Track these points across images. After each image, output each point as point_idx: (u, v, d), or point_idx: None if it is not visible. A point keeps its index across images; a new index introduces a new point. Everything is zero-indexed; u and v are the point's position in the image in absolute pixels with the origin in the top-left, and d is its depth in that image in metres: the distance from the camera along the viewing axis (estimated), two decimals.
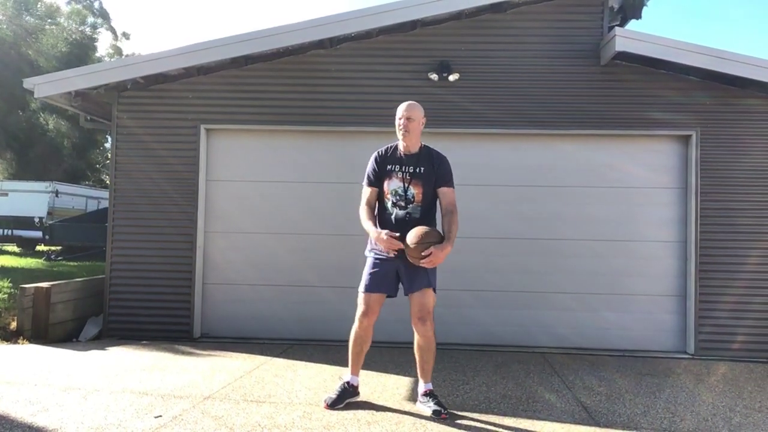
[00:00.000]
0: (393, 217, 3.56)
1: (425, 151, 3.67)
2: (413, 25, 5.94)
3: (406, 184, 3.56)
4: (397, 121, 3.62)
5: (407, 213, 3.55)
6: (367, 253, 3.69)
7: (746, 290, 5.65)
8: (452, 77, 5.85)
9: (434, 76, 5.88)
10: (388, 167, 3.62)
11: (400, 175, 3.58)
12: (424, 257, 3.32)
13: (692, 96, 5.82)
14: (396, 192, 3.57)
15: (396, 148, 3.69)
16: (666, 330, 5.83)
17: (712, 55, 5.49)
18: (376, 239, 3.49)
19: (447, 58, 5.90)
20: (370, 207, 3.64)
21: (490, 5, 5.85)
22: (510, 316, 5.89)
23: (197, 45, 5.81)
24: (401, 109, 3.62)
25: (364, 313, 3.59)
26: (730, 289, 5.66)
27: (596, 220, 5.91)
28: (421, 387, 3.67)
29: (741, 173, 5.74)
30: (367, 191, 3.67)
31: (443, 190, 3.60)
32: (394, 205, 3.57)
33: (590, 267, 5.88)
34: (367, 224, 3.55)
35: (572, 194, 5.94)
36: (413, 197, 3.55)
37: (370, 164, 3.69)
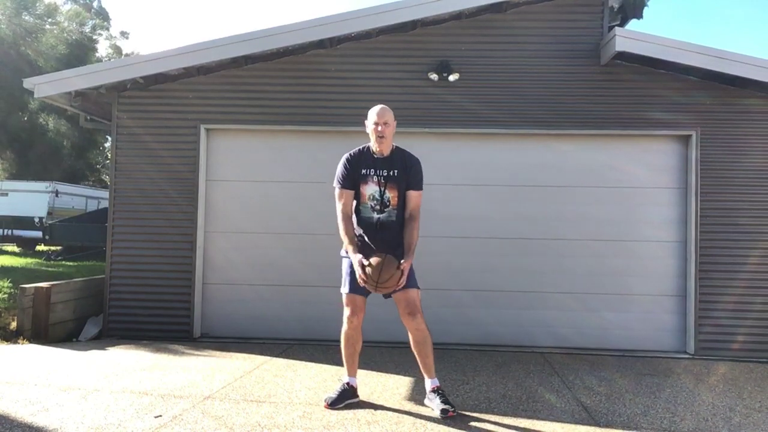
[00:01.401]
0: (371, 220, 3.56)
1: (398, 153, 3.64)
2: (413, 25, 5.94)
3: (382, 188, 3.55)
4: (371, 126, 3.57)
5: (384, 217, 3.55)
6: (342, 253, 3.68)
7: (746, 290, 5.65)
8: (452, 77, 5.85)
9: (434, 76, 5.88)
10: (363, 171, 3.58)
11: (375, 179, 3.56)
12: (398, 287, 3.37)
13: (692, 96, 5.82)
14: (373, 197, 3.56)
15: (367, 150, 3.65)
16: (666, 330, 5.84)
17: (712, 55, 5.49)
18: (356, 266, 3.39)
19: (447, 58, 5.90)
20: (348, 218, 3.58)
21: (490, 5, 5.85)
22: (510, 316, 5.89)
23: (197, 45, 5.81)
24: (375, 115, 3.56)
25: (353, 313, 3.59)
26: (730, 289, 5.66)
27: (596, 220, 5.91)
28: (428, 384, 3.65)
29: (741, 173, 5.74)
30: (342, 195, 3.58)
31: (411, 194, 3.58)
32: (372, 209, 3.57)
33: (590, 267, 5.89)
34: (348, 245, 3.46)
35: (572, 194, 5.94)
36: (389, 201, 3.55)
37: (341, 167, 3.61)
